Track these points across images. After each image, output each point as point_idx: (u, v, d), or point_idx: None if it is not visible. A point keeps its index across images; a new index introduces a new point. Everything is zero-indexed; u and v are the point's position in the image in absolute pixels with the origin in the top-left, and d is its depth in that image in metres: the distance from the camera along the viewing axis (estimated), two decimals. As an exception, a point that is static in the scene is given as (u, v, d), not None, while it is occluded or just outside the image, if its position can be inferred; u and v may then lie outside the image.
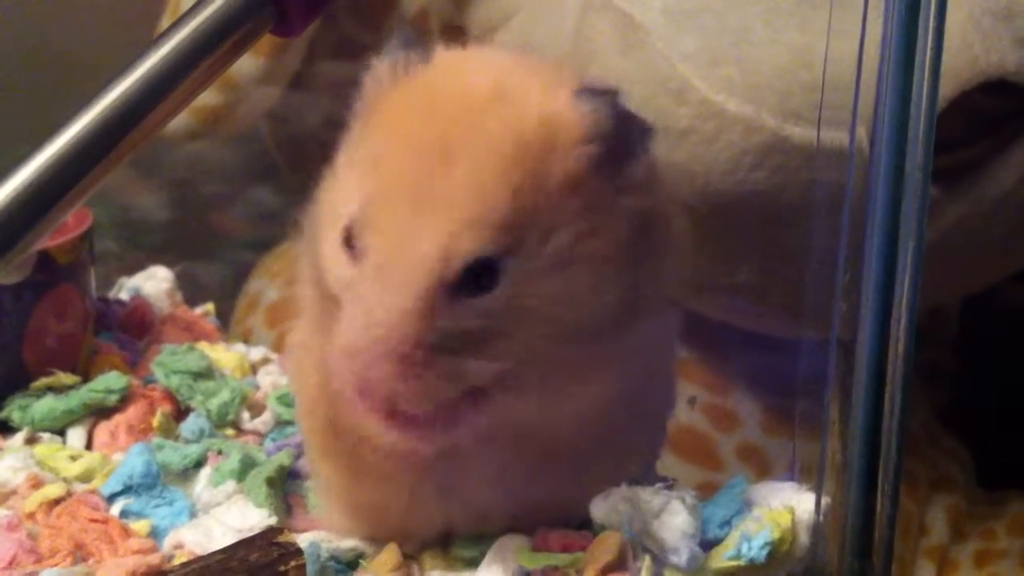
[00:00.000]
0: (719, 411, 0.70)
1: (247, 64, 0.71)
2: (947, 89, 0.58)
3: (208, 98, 0.72)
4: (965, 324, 0.87)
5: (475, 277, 0.37)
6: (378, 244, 0.37)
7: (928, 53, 0.40)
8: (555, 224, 0.38)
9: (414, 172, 0.37)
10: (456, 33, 0.74)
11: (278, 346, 0.69)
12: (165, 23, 0.76)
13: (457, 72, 0.40)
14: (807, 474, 0.44)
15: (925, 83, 0.40)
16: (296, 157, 0.82)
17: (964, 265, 0.66)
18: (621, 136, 0.39)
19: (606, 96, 0.39)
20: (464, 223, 0.37)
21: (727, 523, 0.42)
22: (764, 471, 0.69)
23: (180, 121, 0.73)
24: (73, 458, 0.51)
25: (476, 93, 0.39)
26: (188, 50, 0.38)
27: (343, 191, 0.40)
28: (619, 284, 0.40)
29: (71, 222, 0.57)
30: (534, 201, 0.37)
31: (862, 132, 0.41)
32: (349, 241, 0.38)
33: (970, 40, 0.60)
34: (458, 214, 0.37)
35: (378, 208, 0.37)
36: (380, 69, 0.41)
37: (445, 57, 0.41)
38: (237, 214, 0.85)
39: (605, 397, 0.42)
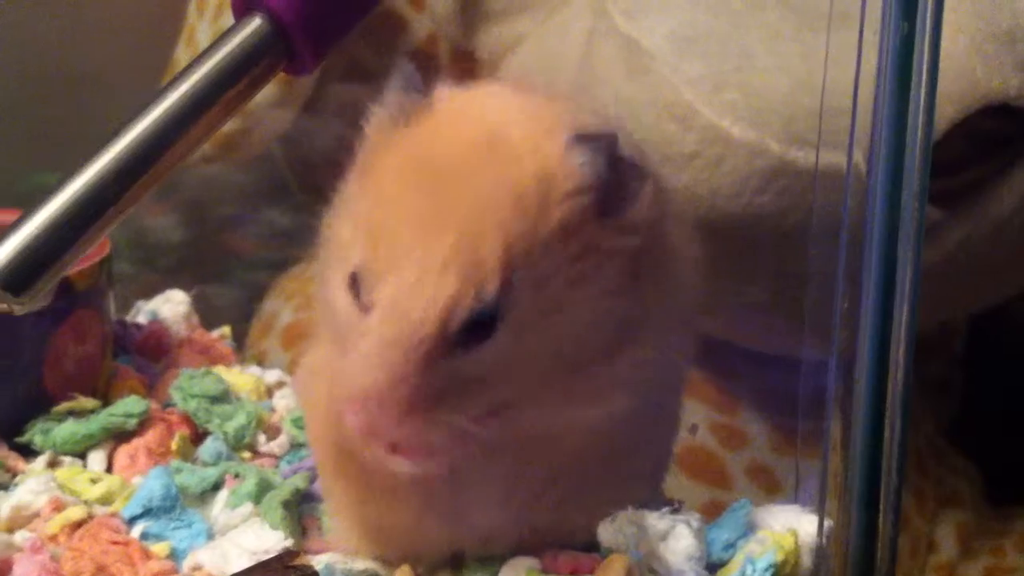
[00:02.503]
0: (727, 430, 0.71)
1: (262, 90, 0.73)
2: (949, 113, 0.59)
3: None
4: (972, 340, 0.87)
5: (473, 329, 0.38)
6: (381, 300, 0.38)
7: (924, 80, 0.41)
8: (550, 271, 0.39)
9: (412, 228, 0.38)
10: (465, 59, 0.75)
11: (293, 368, 0.70)
12: (181, 48, 0.77)
13: (454, 123, 0.41)
14: (811, 495, 0.45)
15: (921, 110, 0.41)
16: (308, 179, 0.83)
17: (967, 285, 0.67)
18: (615, 182, 0.40)
19: (600, 142, 0.39)
20: (462, 281, 0.37)
21: (731, 545, 0.43)
22: (773, 490, 0.70)
23: (195, 146, 0.74)
24: (94, 481, 0.52)
25: (471, 147, 0.39)
26: (205, 88, 0.40)
27: (347, 236, 0.41)
28: (618, 318, 0.41)
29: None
30: (529, 252, 0.38)
31: (859, 158, 0.42)
32: (354, 288, 0.39)
33: (972, 64, 0.61)
34: (457, 275, 0.37)
35: (380, 263, 0.38)
36: (380, 116, 0.41)
37: (444, 102, 0.41)
38: (251, 235, 0.86)
39: (610, 421, 0.43)
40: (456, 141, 0.40)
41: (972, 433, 0.83)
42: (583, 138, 0.39)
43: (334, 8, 0.41)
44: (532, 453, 0.42)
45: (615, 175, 0.39)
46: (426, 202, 0.38)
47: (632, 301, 0.41)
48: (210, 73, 0.40)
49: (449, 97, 0.42)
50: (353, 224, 0.40)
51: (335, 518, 0.48)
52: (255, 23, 0.40)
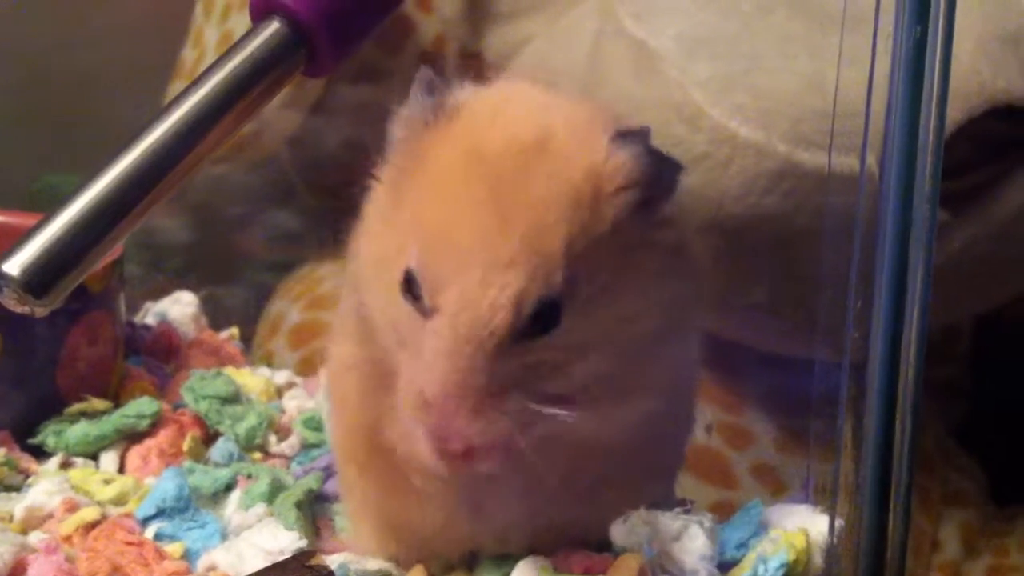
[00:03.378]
0: (734, 430, 0.71)
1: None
2: (955, 114, 0.59)
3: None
4: (978, 341, 0.87)
5: (538, 321, 0.39)
6: (448, 301, 0.38)
7: (935, 83, 0.41)
8: (601, 262, 0.40)
9: (473, 229, 0.39)
10: (473, 59, 0.75)
11: (301, 368, 0.71)
12: (188, 49, 0.77)
13: (498, 120, 0.41)
14: (821, 495, 0.46)
15: (933, 114, 0.41)
16: (316, 180, 0.83)
17: (973, 286, 0.67)
18: (656, 177, 0.41)
19: (639, 138, 0.41)
20: (528, 276, 0.38)
21: (744, 545, 0.43)
22: (778, 490, 0.70)
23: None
24: (107, 482, 0.52)
25: (521, 144, 0.40)
26: (225, 92, 0.40)
27: (393, 241, 0.41)
28: (658, 311, 0.42)
29: (102, 251, 0.58)
30: (584, 244, 0.39)
31: (872, 160, 0.42)
32: (410, 292, 0.39)
33: (978, 66, 0.61)
34: (523, 268, 0.38)
35: (441, 266, 0.39)
36: (409, 116, 0.42)
37: (479, 101, 0.42)
38: (259, 237, 0.86)
39: (635, 418, 0.43)
40: (506, 139, 0.40)
41: (978, 434, 0.83)
42: (625, 134, 0.41)
43: (354, 9, 0.41)
44: (552, 451, 0.42)
45: (655, 170, 0.40)
46: (484, 202, 0.39)
47: (666, 297, 0.42)
48: (229, 76, 0.40)
49: (481, 96, 0.42)
50: (398, 229, 0.41)
51: (351, 518, 0.48)
52: (273, 26, 0.40)
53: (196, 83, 0.40)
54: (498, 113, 0.41)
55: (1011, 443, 0.80)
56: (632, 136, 0.41)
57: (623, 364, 0.41)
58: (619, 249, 0.40)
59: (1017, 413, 0.81)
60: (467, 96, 0.42)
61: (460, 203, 0.39)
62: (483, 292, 0.38)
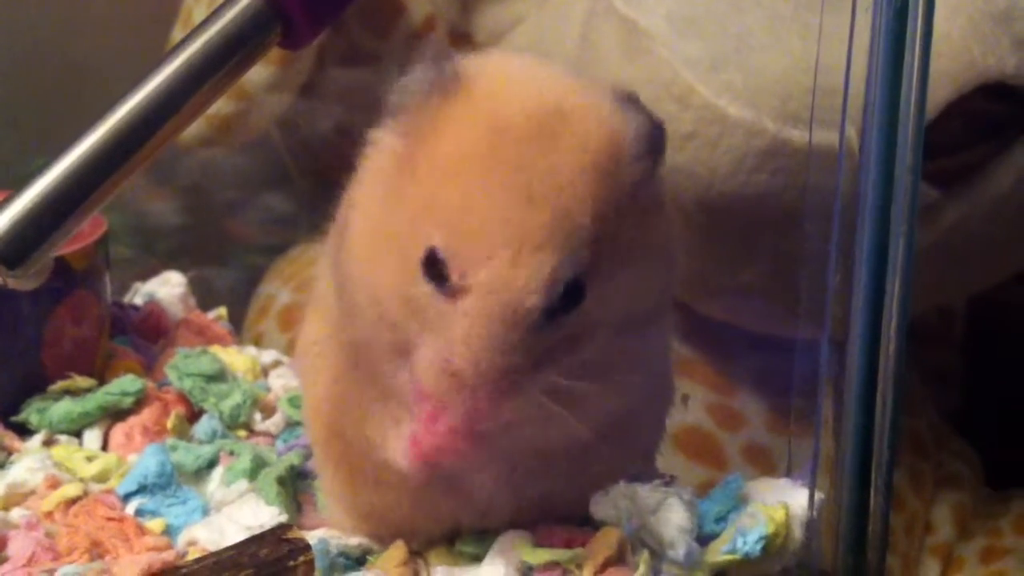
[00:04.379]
0: (725, 411, 0.71)
1: (258, 72, 0.73)
2: (946, 92, 0.59)
3: (221, 106, 0.73)
4: (972, 326, 0.87)
5: (569, 297, 0.38)
6: (479, 284, 0.37)
7: (916, 54, 0.41)
8: (620, 230, 0.39)
9: (500, 205, 0.38)
10: (462, 40, 0.75)
11: (290, 349, 0.70)
12: (178, 30, 0.77)
13: (511, 95, 0.40)
14: (803, 471, 0.45)
15: (914, 85, 0.41)
16: (307, 163, 0.83)
17: (965, 266, 0.67)
18: (657, 139, 0.41)
19: (637, 103, 0.40)
20: (560, 254, 0.38)
21: (723, 519, 0.43)
22: (770, 470, 0.70)
23: (193, 129, 0.73)
24: (89, 459, 0.52)
25: (539, 119, 0.39)
26: (199, 64, 0.39)
27: (405, 217, 0.39)
28: (661, 279, 0.42)
29: (86, 229, 0.58)
30: (607, 215, 0.39)
31: (852, 134, 0.42)
32: (433, 274, 0.38)
33: (969, 43, 0.60)
34: (554, 246, 0.38)
35: (469, 246, 0.38)
36: (415, 86, 0.40)
37: (484, 75, 0.41)
38: (249, 219, 0.86)
39: (609, 396, 0.43)
40: (524, 115, 0.39)
41: (972, 418, 0.83)
42: (632, 102, 0.40)
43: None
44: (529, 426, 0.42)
45: (655, 132, 0.41)
46: (510, 178, 0.38)
47: (665, 266, 0.42)
48: (204, 48, 0.40)
49: (486, 70, 0.41)
50: (411, 205, 0.39)
51: (328, 496, 0.48)
52: (249, -4, 0.40)
53: (171, 55, 0.39)
54: (513, 85, 0.41)
55: (1006, 427, 0.80)
56: (630, 100, 0.40)
57: (626, 340, 0.41)
58: (635, 219, 0.40)
59: (1012, 397, 0.81)
60: (475, 67, 0.41)
61: (485, 180, 0.38)
62: (515, 273, 0.37)
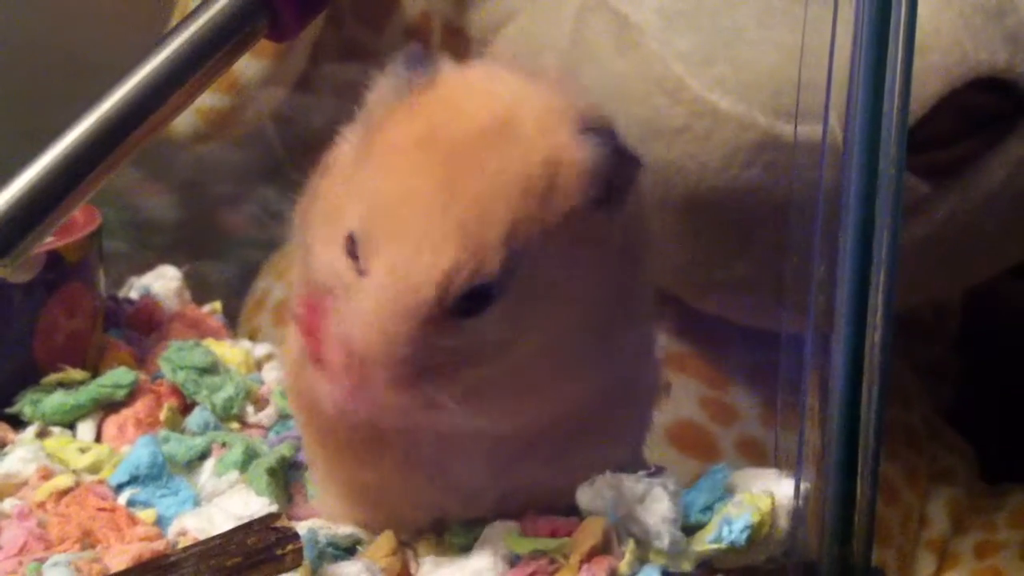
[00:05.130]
0: (718, 405, 0.71)
1: (253, 67, 0.73)
2: (937, 86, 0.59)
3: (215, 101, 0.73)
4: (967, 321, 0.87)
5: (469, 302, 0.39)
6: (380, 267, 0.38)
7: (900, 45, 0.41)
8: (549, 253, 0.40)
9: (417, 200, 0.39)
10: (457, 36, 0.75)
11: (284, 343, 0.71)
12: (174, 21, 0.77)
13: (463, 100, 0.41)
14: (789, 462, 0.45)
15: (898, 76, 0.41)
16: (302, 157, 0.83)
17: (957, 260, 0.67)
18: (617, 175, 0.41)
19: (605, 134, 0.40)
20: (464, 255, 0.38)
21: (709, 508, 0.43)
22: (763, 464, 0.70)
23: (188, 123, 0.75)
24: (83, 450, 0.52)
25: (482, 126, 0.40)
26: (185, 55, 0.40)
27: (344, 199, 0.41)
28: (609, 297, 0.42)
29: (80, 221, 0.58)
30: (531, 234, 0.39)
31: (836, 126, 0.42)
32: (352, 251, 0.40)
33: (960, 37, 0.61)
34: (459, 246, 0.38)
35: (381, 230, 0.39)
36: (384, 86, 0.42)
37: (451, 79, 0.42)
38: (244, 214, 0.86)
39: (593, 390, 0.43)
40: (468, 119, 0.40)
41: (967, 413, 0.83)
42: (592, 129, 0.40)
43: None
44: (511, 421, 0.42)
45: (617, 167, 0.40)
46: (434, 176, 0.39)
47: (618, 282, 0.42)
48: (191, 39, 0.40)
49: (455, 75, 0.42)
50: (351, 188, 0.41)
51: (318, 486, 0.48)
52: (235, -12, 0.40)
53: (158, 46, 0.40)
54: (466, 94, 0.41)
55: (1001, 422, 0.80)
56: (598, 131, 0.40)
57: (564, 353, 0.41)
58: (570, 241, 0.40)
59: (1007, 392, 0.81)
60: (443, 74, 0.42)
61: (410, 175, 0.39)
62: (413, 263, 0.38)
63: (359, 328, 0.38)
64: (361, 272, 0.39)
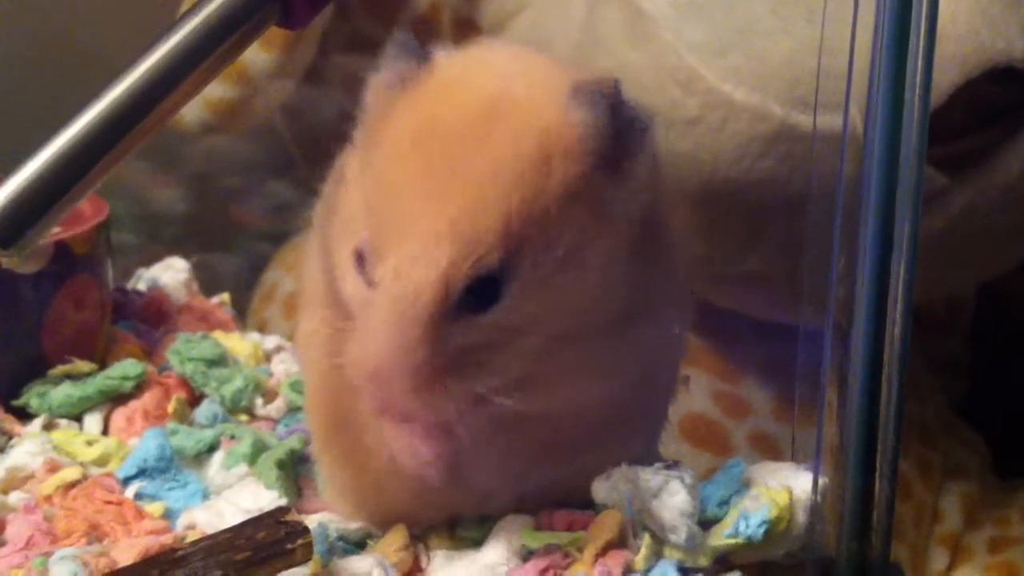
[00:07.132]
0: (731, 399, 0.71)
1: (262, 58, 0.72)
2: (954, 76, 0.59)
3: (224, 92, 0.73)
4: (981, 315, 0.87)
5: (476, 295, 0.38)
6: (386, 275, 0.38)
7: (922, 35, 0.40)
8: (556, 233, 0.38)
9: (414, 201, 0.38)
10: (467, 27, 0.74)
11: (294, 336, 0.70)
12: (184, 9, 0.77)
13: (455, 88, 0.40)
14: (807, 457, 0.45)
15: (919, 66, 0.40)
16: (311, 150, 0.83)
17: (973, 253, 0.66)
18: (618, 137, 0.39)
19: (602, 96, 0.39)
20: (460, 250, 0.37)
21: (725, 502, 0.43)
22: (775, 458, 0.69)
23: (197, 115, 0.74)
24: (90, 443, 0.52)
25: (472, 114, 0.39)
26: (195, 43, 0.39)
27: (352, 210, 0.40)
28: (627, 283, 0.40)
29: (88, 213, 0.58)
30: (534, 215, 0.38)
31: (856, 117, 0.41)
32: (361, 263, 0.39)
33: (977, 27, 0.60)
34: (453, 241, 0.37)
35: (383, 239, 0.38)
36: (379, 85, 0.41)
37: (444, 67, 0.41)
38: (254, 207, 0.86)
39: (612, 387, 0.42)
40: (456, 108, 0.39)
41: (981, 408, 0.82)
42: (581, 90, 0.39)
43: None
44: (531, 418, 0.42)
45: (617, 129, 0.39)
46: (425, 173, 0.38)
47: (637, 268, 0.41)
48: (200, 27, 0.39)
49: (447, 62, 0.41)
50: (358, 197, 0.40)
51: (328, 482, 0.48)
52: (246, -25, 0.39)
53: (167, 33, 0.39)
54: (458, 80, 0.40)
55: (1014, 417, 0.79)
56: (590, 90, 0.38)
57: (583, 336, 0.40)
58: (579, 216, 0.39)
59: (1020, 387, 0.80)
60: (437, 61, 0.41)
61: (407, 175, 0.38)
62: (413, 267, 0.37)
63: (372, 343, 0.37)
64: (370, 284, 0.38)
